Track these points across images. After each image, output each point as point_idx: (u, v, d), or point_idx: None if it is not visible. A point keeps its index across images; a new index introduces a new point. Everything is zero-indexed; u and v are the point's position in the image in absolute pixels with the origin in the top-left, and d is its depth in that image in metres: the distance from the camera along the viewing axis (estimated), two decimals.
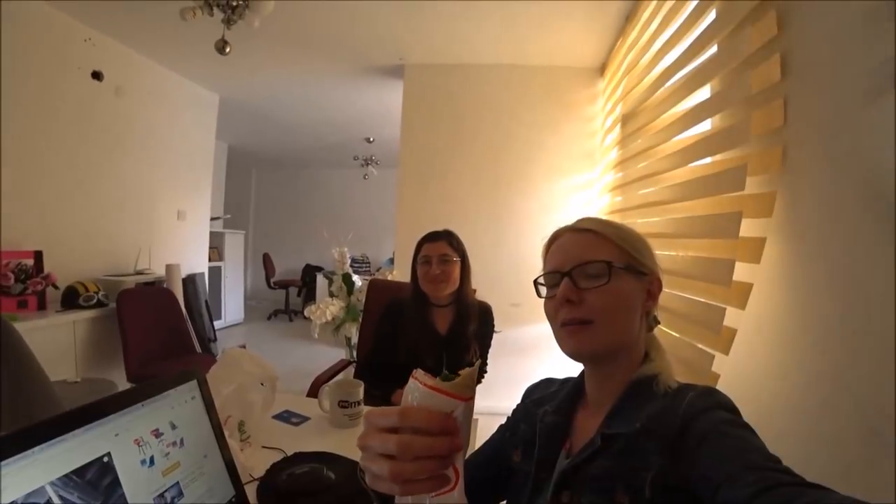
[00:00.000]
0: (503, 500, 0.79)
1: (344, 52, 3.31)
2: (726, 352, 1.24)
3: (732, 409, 0.58)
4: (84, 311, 2.65)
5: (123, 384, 2.43)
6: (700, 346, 1.36)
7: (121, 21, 2.88)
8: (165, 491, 0.62)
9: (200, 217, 4.37)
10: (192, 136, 4.08)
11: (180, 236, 4.03)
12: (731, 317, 1.23)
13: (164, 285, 3.29)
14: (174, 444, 0.66)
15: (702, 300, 1.37)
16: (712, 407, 0.57)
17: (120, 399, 0.60)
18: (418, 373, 0.46)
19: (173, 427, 0.67)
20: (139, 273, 3.32)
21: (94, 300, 2.71)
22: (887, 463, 0.76)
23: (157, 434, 0.64)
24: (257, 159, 7.51)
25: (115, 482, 0.55)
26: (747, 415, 0.59)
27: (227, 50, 2.33)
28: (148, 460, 0.61)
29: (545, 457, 0.69)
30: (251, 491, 0.88)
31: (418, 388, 0.44)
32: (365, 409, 1.32)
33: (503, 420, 0.88)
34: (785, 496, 0.40)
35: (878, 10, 0.83)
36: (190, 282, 3.89)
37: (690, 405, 0.57)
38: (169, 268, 3.38)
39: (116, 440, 0.57)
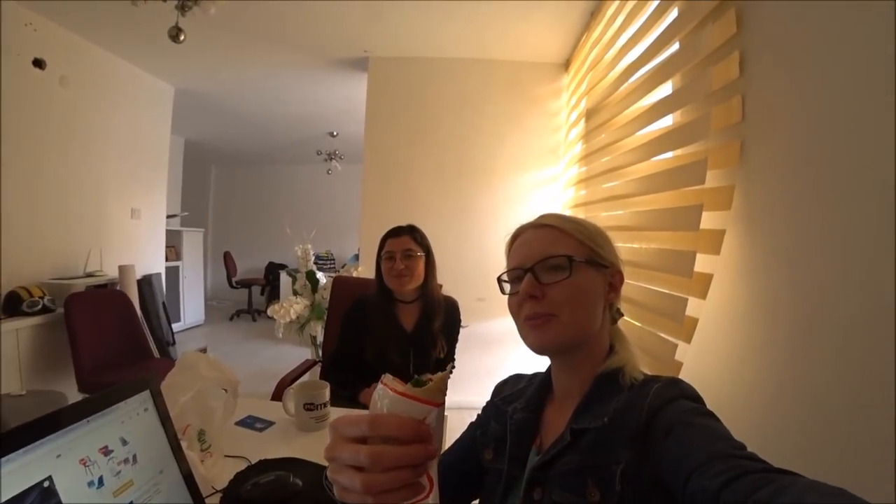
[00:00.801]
0: (476, 499, 0.78)
1: (308, 43, 3.21)
2: (688, 340, 1.28)
3: (696, 398, 0.60)
4: (28, 318, 2.49)
5: (74, 395, 2.29)
6: (663, 335, 1.40)
7: (65, 5, 2.68)
8: None
9: (156, 215, 4.17)
10: (145, 130, 3.87)
11: (134, 235, 3.83)
12: (693, 306, 1.27)
13: (118, 287, 3.13)
14: (126, 461, 0.62)
15: (664, 291, 1.40)
16: (677, 397, 0.58)
17: (61, 417, 0.55)
18: (387, 378, 0.44)
19: (124, 443, 0.63)
20: (90, 275, 3.13)
21: (40, 305, 2.54)
22: (842, 442, 0.80)
23: (107, 452, 0.59)
24: (216, 154, 7.23)
25: None
26: (709, 400, 0.60)
27: (182, 38, 2.21)
28: (96, 481, 0.56)
29: (517, 454, 0.69)
30: (214, 503, 0.84)
31: (388, 395, 0.42)
32: (332, 410, 1.29)
33: (470, 414, 0.87)
34: (753, 484, 0.40)
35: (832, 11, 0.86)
36: (146, 283, 3.72)
37: (655, 397, 0.58)
38: (122, 269, 3.21)
39: (58, 462, 0.52)
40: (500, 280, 0.74)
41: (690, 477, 0.46)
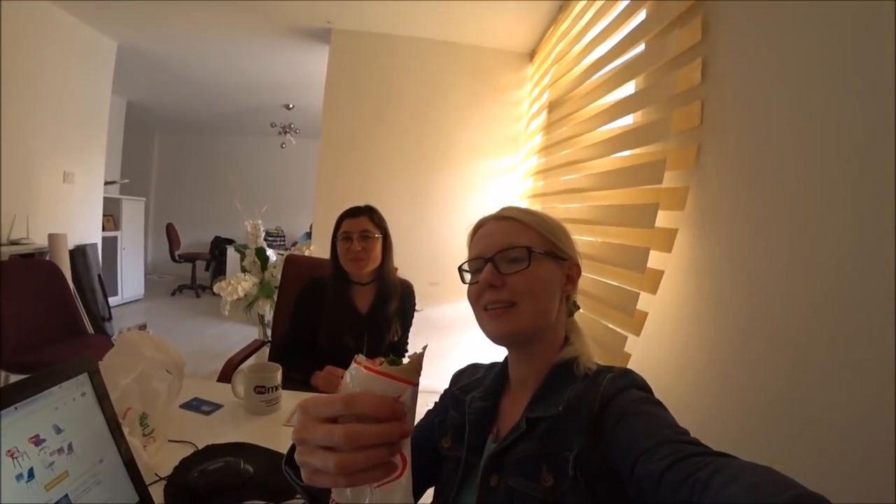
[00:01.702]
0: (432, 486, 0.79)
1: (268, 7, 3.03)
2: (638, 333, 1.34)
3: (646, 388, 0.63)
4: None
5: None
6: (614, 327, 1.45)
7: None
8: None
9: (92, 181, 3.86)
10: (82, 88, 3.53)
11: (67, 202, 3.52)
12: (643, 301, 1.32)
13: (47, 257, 2.89)
14: (60, 451, 0.57)
15: (617, 284, 1.46)
16: (628, 387, 0.61)
17: None
18: (360, 358, 0.43)
19: (58, 431, 0.58)
20: (14, 243, 2.87)
21: None
22: (778, 426, 0.87)
23: (38, 441, 0.55)
24: (161, 120, 6.77)
25: None
26: (654, 391, 0.63)
27: None
28: (26, 474, 0.52)
29: (475, 442, 0.70)
30: (158, 492, 0.80)
31: (362, 374, 0.41)
32: (283, 393, 1.26)
33: (422, 397, 0.88)
34: (694, 465, 0.43)
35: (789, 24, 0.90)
36: (79, 253, 3.46)
37: (608, 387, 0.61)
38: (52, 237, 2.97)
39: None
40: (460, 269, 0.75)
41: (638, 461, 0.49)
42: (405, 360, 0.44)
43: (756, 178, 0.98)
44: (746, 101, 1.02)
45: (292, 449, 0.51)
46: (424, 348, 0.47)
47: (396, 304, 1.65)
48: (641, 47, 1.48)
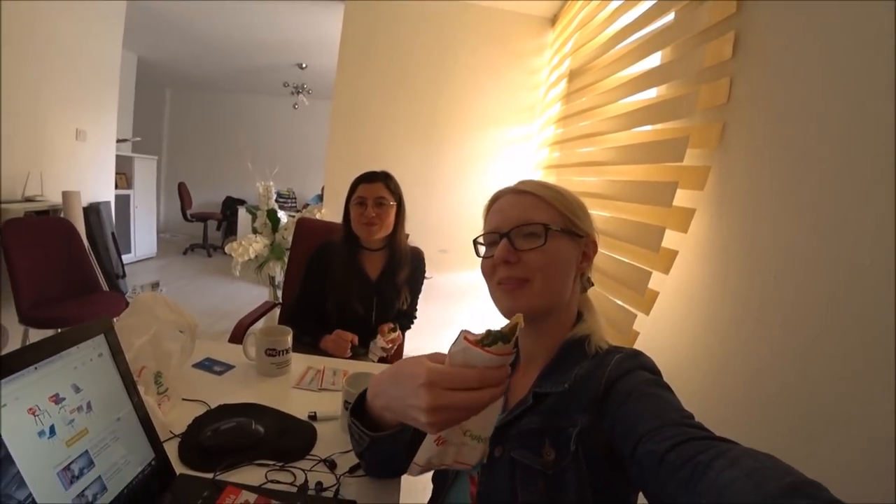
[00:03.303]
0: None
1: None
2: (647, 312, 1.33)
3: (654, 371, 0.63)
4: None
5: (16, 328, 2.17)
6: (624, 304, 1.44)
7: None
8: (72, 463, 0.55)
9: (105, 138, 3.85)
10: (93, 43, 3.47)
11: (80, 160, 3.53)
12: (655, 280, 1.31)
13: (61, 215, 2.92)
14: (79, 409, 0.59)
15: (630, 262, 1.44)
16: (636, 368, 0.61)
17: (3, 365, 0.51)
18: (470, 335, 0.53)
19: (77, 390, 0.59)
20: (28, 200, 2.89)
21: None
22: (783, 417, 0.87)
23: (57, 400, 0.56)
24: (173, 77, 6.68)
25: (7, 459, 0.48)
26: (661, 370, 0.64)
27: None
28: (47, 431, 0.53)
29: None
30: (172, 448, 0.83)
31: (481, 354, 0.51)
32: (293, 356, 1.28)
33: None
34: (696, 448, 0.44)
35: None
36: (93, 211, 3.50)
37: (616, 367, 0.61)
38: (66, 195, 2.99)
39: (4, 412, 0.49)
40: (475, 242, 0.74)
41: (640, 441, 0.50)
42: (501, 329, 0.52)
43: (781, 162, 0.94)
44: (778, 82, 0.97)
45: (356, 403, 0.69)
46: (517, 317, 0.53)
47: (407, 271, 1.65)
48: (671, 16, 1.41)
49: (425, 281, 1.78)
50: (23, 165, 2.93)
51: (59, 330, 2.36)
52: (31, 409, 0.52)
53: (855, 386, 0.73)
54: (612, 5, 1.88)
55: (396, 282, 1.63)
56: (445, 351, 0.54)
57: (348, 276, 1.59)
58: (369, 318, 1.61)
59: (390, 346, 1.55)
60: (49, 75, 3.11)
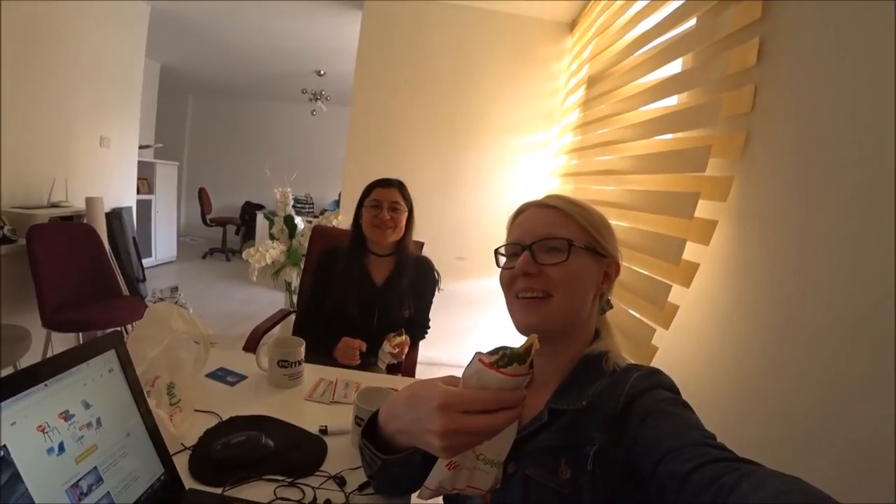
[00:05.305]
0: None
1: None
2: (667, 326, 1.29)
3: (674, 390, 0.61)
4: None
5: (38, 331, 2.21)
6: (643, 318, 1.41)
7: None
8: (80, 479, 0.55)
9: (127, 145, 3.93)
10: (117, 51, 3.55)
11: (103, 166, 3.61)
12: (675, 293, 1.27)
13: (85, 220, 2.99)
14: (88, 425, 0.59)
15: (649, 275, 1.40)
16: (655, 386, 0.60)
17: (13, 382, 0.51)
18: (484, 357, 0.53)
19: (87, 406, 0.59)
20: (54, 206, 2.95)
21: (0, 234, 2.40)
22: (805, 438, 0.83)
23: (67, 416, 0.56)
24: (194, 84, 6.82)
25: (16, 477, 0.48)
26: (679, 386, 0.62)
27: None
28: (56, 448, 0.53)
29: None
30: (183, 461, 0.82)
31: (495, 377, 0.51)
32: (306, 367, 1.27)
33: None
34: (720, 470, 0.43)
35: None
36: (115, 217, 3.56)
37: (634, 385, 0.60)
38: (90, 201, 3.05)
39: (13, 430, 0.49)
40: (496, 252, 0.74)
41: (661, 461, 0.48)
42: (515, 349, 0.52)
43: (808, 174, 0.90)
44: (804, 90, 0.93)
45: (367, 424, 0.69)
46: (533, 337, 0.53)
47: (410, 278, 1.64)
48: (692, 22, 1.38)
49: (439, 292, 1.77)
50: (49, 172, 3.01)
51: (80, 334, 2.40)
52: (40, 427, 0.52)
53: (885, 410, 0.69)
54: (633, 10, 1.85)
55: (401, 288, 1.63)
56: (460, 358, 0.53)
57: (349, 278, 1.59)
58: (370, 322, 1.60)
59: (398, 351, 1.54)
60: (75, 84, 3.18)
